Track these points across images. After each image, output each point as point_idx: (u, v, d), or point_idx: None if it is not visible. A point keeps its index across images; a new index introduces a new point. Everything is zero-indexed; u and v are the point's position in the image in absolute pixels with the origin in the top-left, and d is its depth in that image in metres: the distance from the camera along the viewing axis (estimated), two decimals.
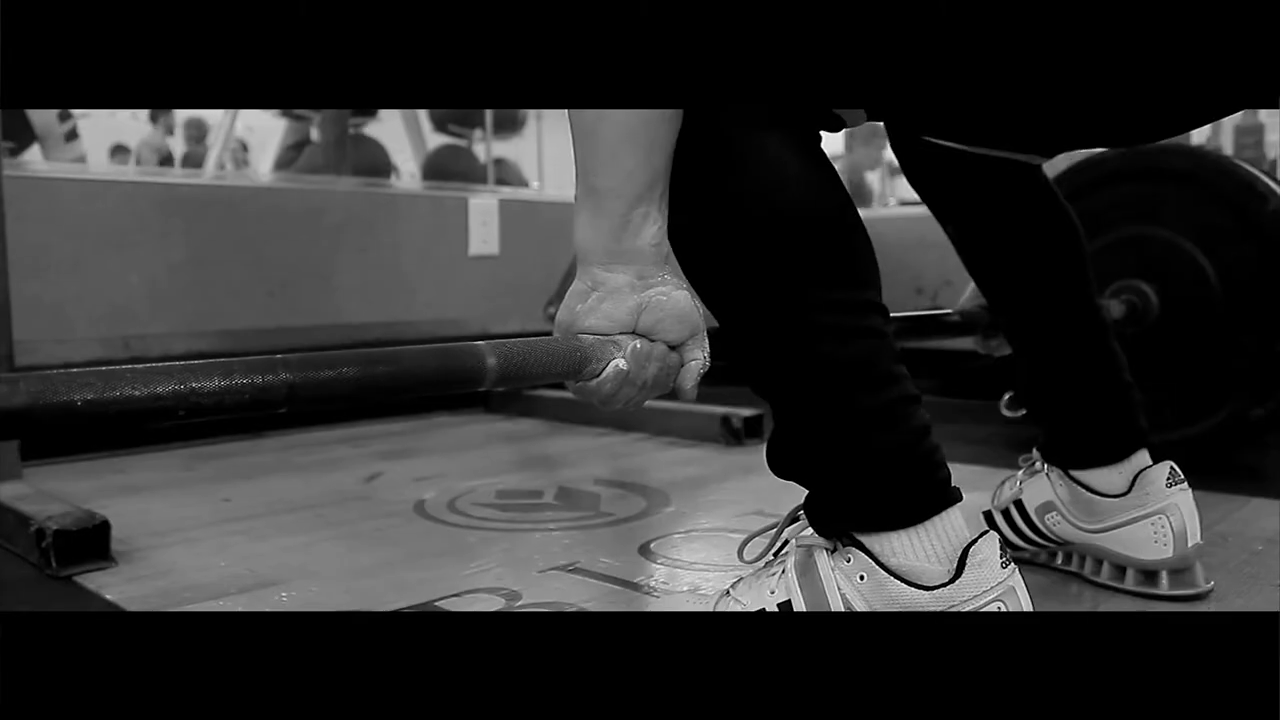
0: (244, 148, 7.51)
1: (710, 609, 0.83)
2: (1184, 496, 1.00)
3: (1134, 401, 1.04)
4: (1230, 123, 5.75)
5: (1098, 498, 1.03)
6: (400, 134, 5.73)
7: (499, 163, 5.42)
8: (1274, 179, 1.64)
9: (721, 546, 1.23)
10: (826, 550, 0.77)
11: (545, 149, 7.36)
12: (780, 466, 0.79)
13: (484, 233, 2.49)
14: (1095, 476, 1.04)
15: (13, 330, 1.41)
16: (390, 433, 2.15)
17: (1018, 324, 1.07)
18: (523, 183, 5.59)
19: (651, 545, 1.24)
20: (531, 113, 5.83)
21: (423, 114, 5.48)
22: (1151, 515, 1.00)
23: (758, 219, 0.71)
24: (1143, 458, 1.03)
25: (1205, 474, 1.23)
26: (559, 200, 2.68)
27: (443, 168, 5.29)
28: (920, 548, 0.72)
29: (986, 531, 0.73)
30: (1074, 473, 1.05)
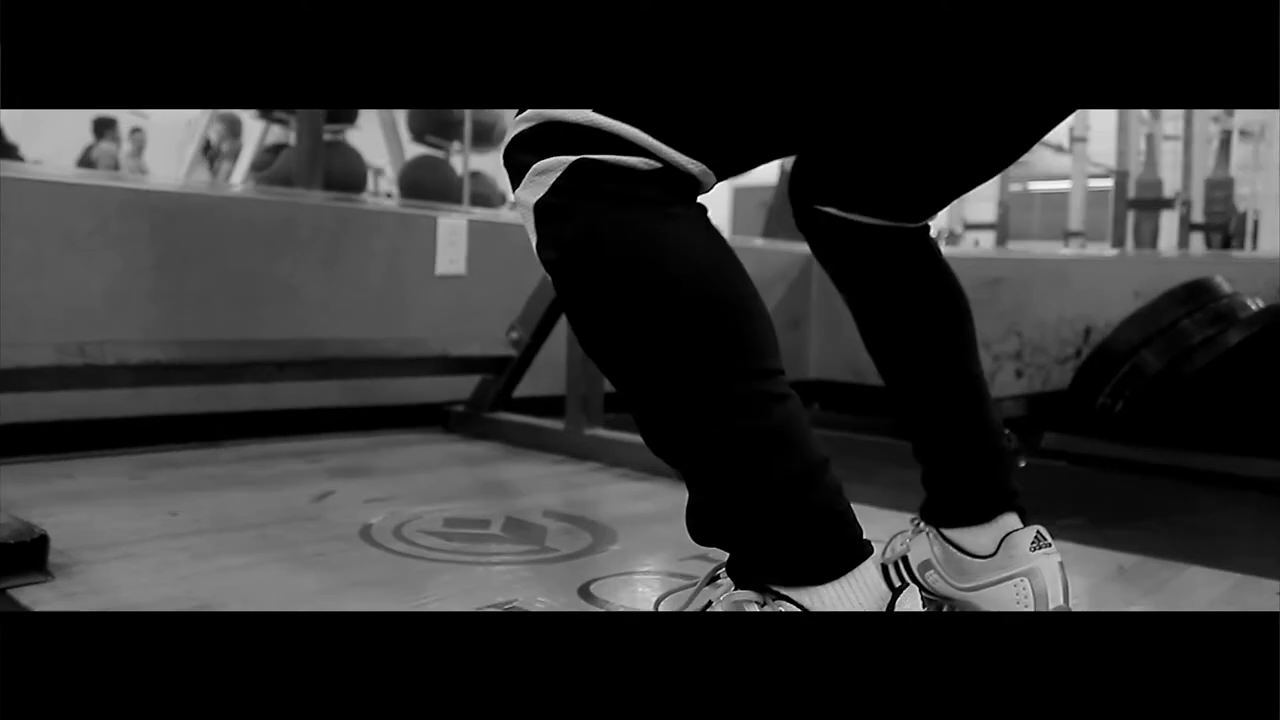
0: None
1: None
2: (1048, 560, 1.02)
3: (1005, 465, 1.07)
4: (1200, 175, 5.86)
5: (967, 558, 1.06)
6: (379, 142, 5.73)
7: (475, 175, 5.42)
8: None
9: (660, 591, 1.24)
10: (756, 603, 0.79)
11: None
12: (701, 534, 0.81)
13: (452, 252, 2.49)
14: (965, 537, 1.07)
15: None
16: (347, 448, 2.15)
17: (899, 386, 1.10)
18: (499, 195, 5.60)
19: (591, 587, 1.25)
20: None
21: (402, 123, 5.48)
22: (1015, 577, 1.02)
23: (676, 306, 0.74)
24: (1011, 520, 1.06)
25: None
26: None
27: (419, 178, 5.30)
28: (849, 597, 0.75)
29: (906, 585, 0.76)
30: (946, 532, 1.09)
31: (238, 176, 4.98)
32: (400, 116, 5.48)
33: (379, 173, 5.74)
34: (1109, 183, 5.58)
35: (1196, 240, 4.51)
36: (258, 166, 4.80)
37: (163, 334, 2.00)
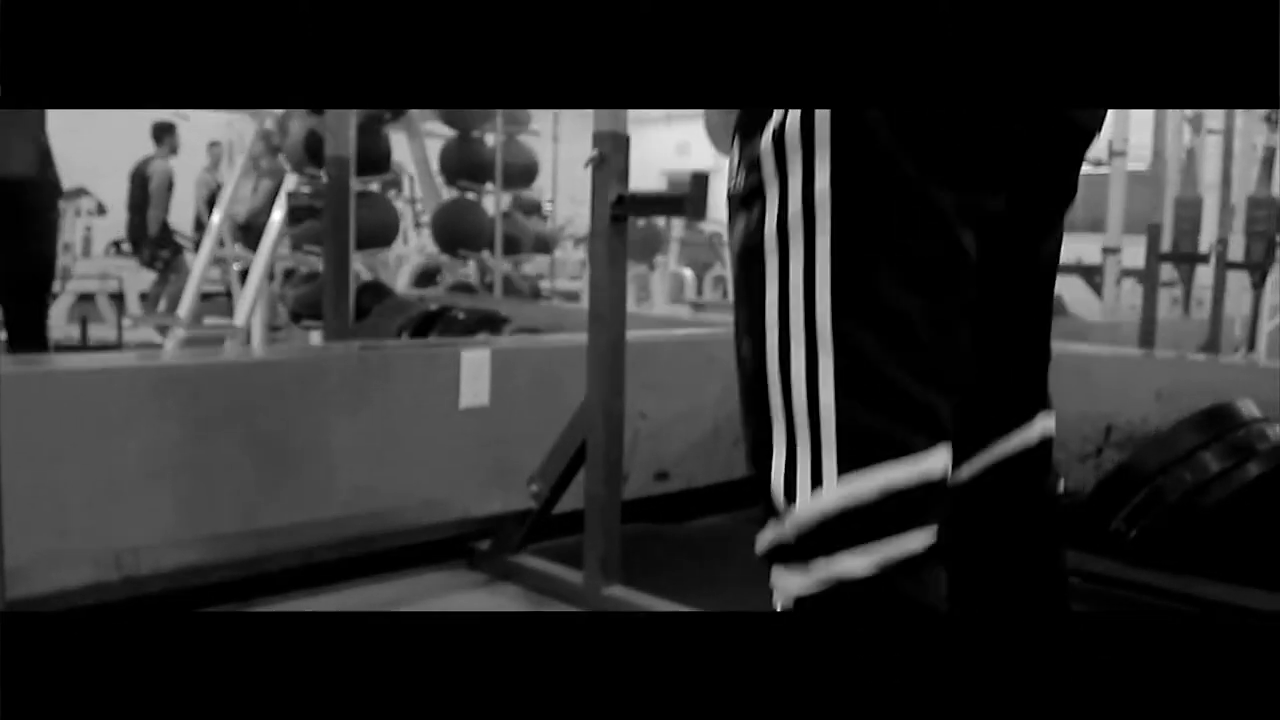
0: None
1: None
2: None
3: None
4: (1171, 197, 5.73)
5: None
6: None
7: (506, 216, 5.48)
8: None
9: None
10: None
11: (559, 202, 7.39)
12: None
13: (475, 385, 2.55)
14: None
15: (4, 549, 1.46)
16: (376, 599, 2.23)
17: None
18: (528, 236, 5.65)
19: None
20: (543, 175, 5.89)
21: (435, 167, 5.54)
22: None
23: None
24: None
25: None
26: (552, 346, 2.74)
27: (451, 222, 5.36)
28: None
29: None
30: None
31: (269, 238, 5.02)
32: (434, 160, 5.54)
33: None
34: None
35: (1236, 283, 4.44)
36: (294, 220, 4.88)
37: (194, 510, 2.08)
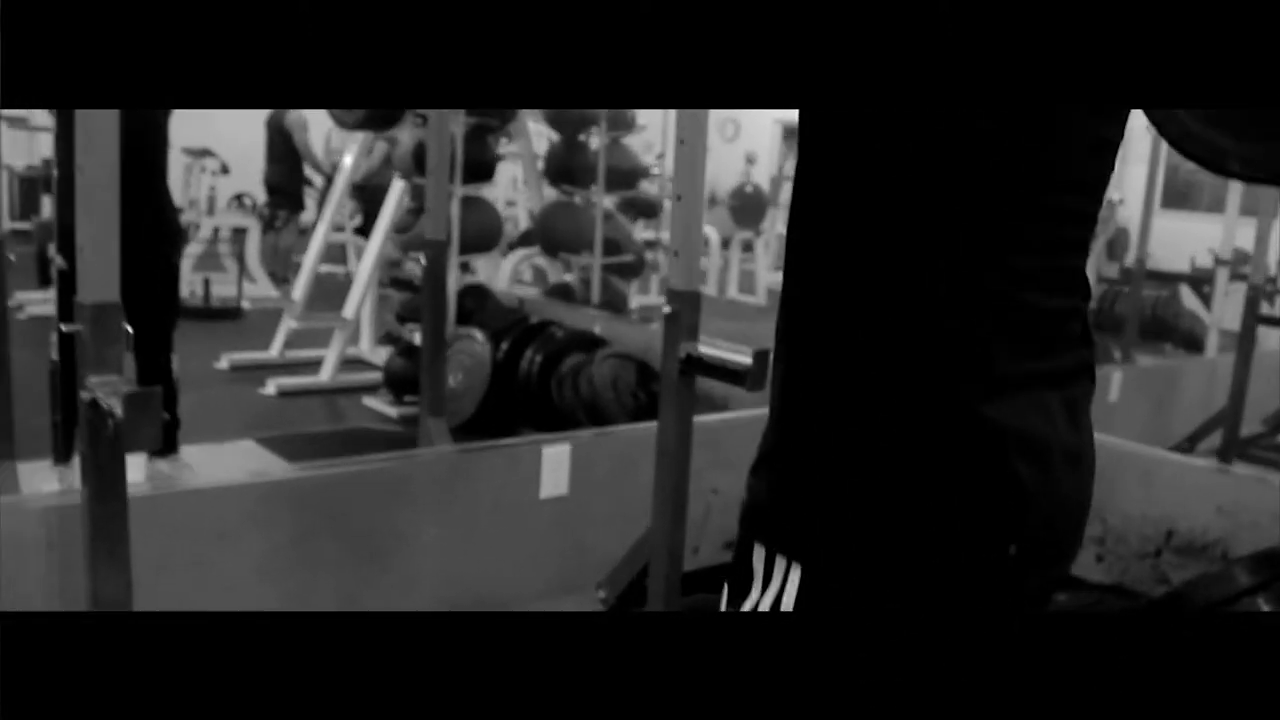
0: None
1: None
2: None
3: None
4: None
5: None
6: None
7: (608, 218, 5.61)
8: None
9: None
10: None
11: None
12: None
13: (555, 477, 2.74)
14: None
15: None
16: None
17: None
18: (630, 240, 5.78)
19: None
20: (644, 183, 5.99)
21: (540, 170, 5.68)
22: None
23: None
24: None
25: None
26: (628, 436, 2.90)
27: (552, 224, 5.52)
28: None
29: None
30: None
31: (378, 237, 5.25)
32: (539, 162, 5.68)
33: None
34: None
35: None
36: (400, 229, 5.10)
37: (298, 604, 2.33)
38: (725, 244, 9.84)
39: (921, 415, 0.86)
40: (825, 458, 0.91)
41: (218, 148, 7.98)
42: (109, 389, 1.46)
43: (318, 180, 7.86)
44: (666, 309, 2.20)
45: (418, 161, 4.78)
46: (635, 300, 7.78)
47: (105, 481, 1.48)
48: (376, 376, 5.15)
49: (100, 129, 1.49)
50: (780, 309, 0.98)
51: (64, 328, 1.55)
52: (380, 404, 4.95)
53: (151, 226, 3.15)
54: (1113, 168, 0.97)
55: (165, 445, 3.39)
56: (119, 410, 1.40)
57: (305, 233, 7.32)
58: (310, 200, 7.97)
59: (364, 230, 6.39)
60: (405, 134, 4.92)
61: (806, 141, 0.93)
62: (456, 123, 4.68)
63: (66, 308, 2.37)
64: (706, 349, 2.20)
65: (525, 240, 6.22)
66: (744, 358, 2.13)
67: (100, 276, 1.50)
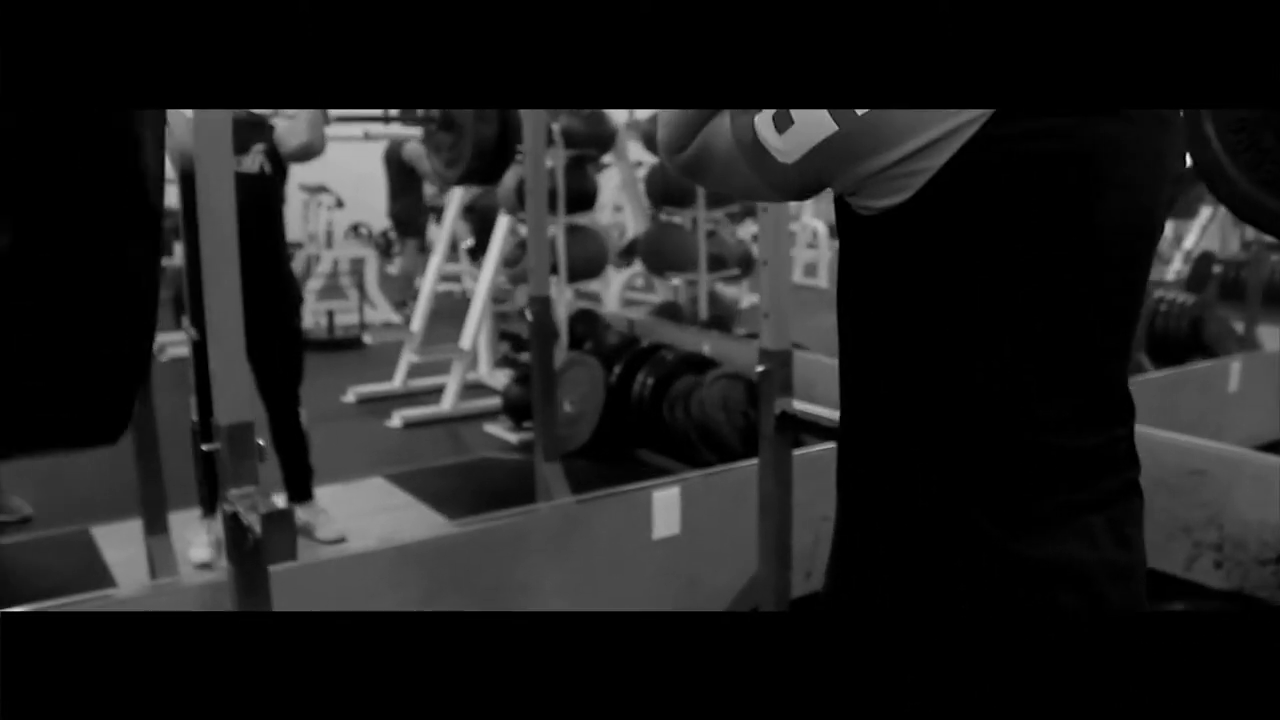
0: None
1: None
2: None
3: None
4: None
5: None
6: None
7: (711, 235, 5.68)
8: None
9: None
10: None
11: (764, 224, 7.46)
12: None
13: (666, 518, 2.84)
14: None
15: None
16: None
17: None
18: (733, 250, 5.83)
19: None
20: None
21: (642, 193, 5.78)
22: None
23: None
24: None
25: None
26: (736, 476, 2.98)
27: (657, 247, 5.62)
28: None
29: None
30: None
31: (489, 268, 5.43)
32: (641, 185, 5.79)
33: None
34: None
35: None
36: (509, 262, 5.26)
37: None
38: (833, 234, 9.78)
39: (961, 559, 0.93)
40: (875, 592, 0.99)
41: (331, 182, 8.30)
42: (248, 503, 1.61)
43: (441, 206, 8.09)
44: (760, 367, 2.28)
45: (520, 197, 4.93)
46: (745, 300, 7.84)
47: (249, 586, 1.63)
48: (496, 401, 5.32)
49: (219, 215, 1.64)
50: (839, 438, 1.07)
51: (205, 447, 1.70)
52: (501, 430, 5.12)
53: (274, 295, 3.37)
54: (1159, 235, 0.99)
55: (301, 494, 3.61)
56: (258, 528, 1.55)
57: (425, 251, 7.53)
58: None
59: (476, 251, 6.59)
60: (509, 171, 5.07)
61: (842, 287, 1.00)
62: (556, 156, 4.82)
63: (202, 376, 2.53)
64: (801, 405, 2.28)
65: (630, 251, 6.32)
66: (836, 414, 2.20)
67: (233, 400, 1.66)
